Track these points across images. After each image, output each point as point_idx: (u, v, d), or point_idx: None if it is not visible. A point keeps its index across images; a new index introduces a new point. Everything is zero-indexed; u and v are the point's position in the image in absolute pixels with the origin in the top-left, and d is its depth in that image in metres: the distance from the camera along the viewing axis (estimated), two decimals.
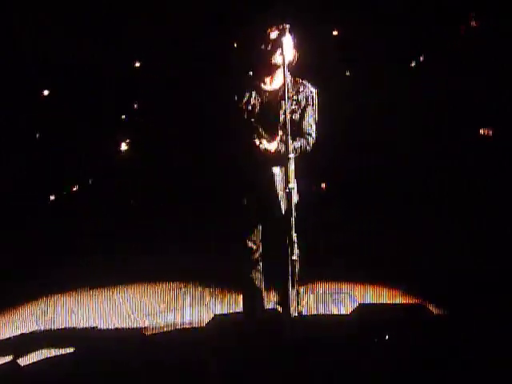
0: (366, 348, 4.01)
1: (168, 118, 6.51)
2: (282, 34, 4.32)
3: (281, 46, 4.30)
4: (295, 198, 4.44)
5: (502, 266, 5.29)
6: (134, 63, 6.51)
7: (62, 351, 4.51)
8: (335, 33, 6.33)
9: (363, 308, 4.74)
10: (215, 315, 4.82)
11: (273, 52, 4.39)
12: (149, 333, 4.85)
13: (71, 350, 4.50)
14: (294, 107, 4.50)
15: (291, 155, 4.30)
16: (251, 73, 4.60)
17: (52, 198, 6.53)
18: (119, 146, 6.67)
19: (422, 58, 6.29)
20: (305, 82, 4.58)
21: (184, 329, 4.96)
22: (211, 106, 6.00)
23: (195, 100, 6.33)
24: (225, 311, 5.25)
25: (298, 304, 4.40)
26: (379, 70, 6.14)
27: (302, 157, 4.48)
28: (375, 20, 6.14)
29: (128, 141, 6.68)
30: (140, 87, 6.58)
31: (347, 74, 6.36)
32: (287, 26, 4.34)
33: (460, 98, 6.12)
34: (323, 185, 6.32)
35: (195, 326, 5.00)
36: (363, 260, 5.62)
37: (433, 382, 3.82)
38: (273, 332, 4.17)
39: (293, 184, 4.33)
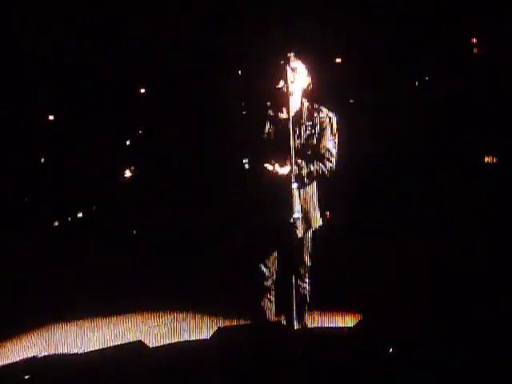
0: (366, 349, 4.01)
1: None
2: (286, 62, 4.32)
3: (286, 74, 4.29)
4: (318, 223, 4.43)
5: (502, 266, 5.29)
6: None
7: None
8: (339, 59, 6.32)
9: (366, 318, 4.73)
10: (219, 327, 4.79)
11: (279, 81, 4.37)
12: (151, 345, 4.81)
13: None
14: (308, 133, 4.46)
15: (294, 185, 4.29)
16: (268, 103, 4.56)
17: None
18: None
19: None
20: (320, 106, 4.54)
21: (187, 341, 4.93)
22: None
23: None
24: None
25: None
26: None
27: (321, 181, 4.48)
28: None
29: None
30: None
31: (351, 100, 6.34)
32: (291, 54, 4.34)
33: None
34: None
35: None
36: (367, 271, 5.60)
37: (433, 382, 3.82)
38: (275, 341, 4.15)
39: (298, 214, 4.30)
